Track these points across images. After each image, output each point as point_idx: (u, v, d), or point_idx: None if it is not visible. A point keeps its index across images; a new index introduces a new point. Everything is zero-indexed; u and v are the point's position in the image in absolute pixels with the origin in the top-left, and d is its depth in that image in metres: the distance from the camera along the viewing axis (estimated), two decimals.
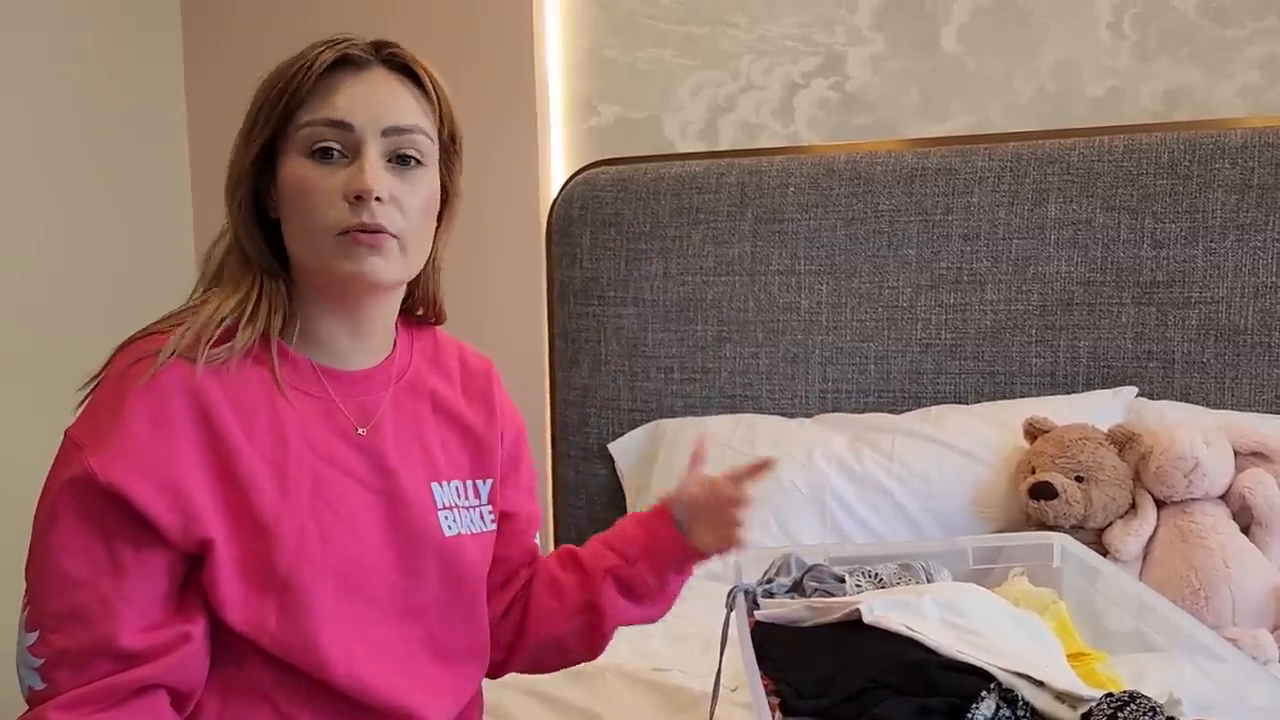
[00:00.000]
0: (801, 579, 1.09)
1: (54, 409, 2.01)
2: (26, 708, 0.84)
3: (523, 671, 1.13)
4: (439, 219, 0.98)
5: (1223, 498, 1.56)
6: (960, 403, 1.90)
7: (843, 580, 1.08)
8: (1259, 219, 1.75)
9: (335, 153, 0.89)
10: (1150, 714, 0.81)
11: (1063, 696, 0.88)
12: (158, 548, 0.85)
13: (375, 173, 0.88)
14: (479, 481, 1.04)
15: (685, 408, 2.07)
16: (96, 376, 0.89)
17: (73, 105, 2.10)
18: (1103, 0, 1.92)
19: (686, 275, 2.06)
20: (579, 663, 1.12)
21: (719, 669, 1.10)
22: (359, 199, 0.87)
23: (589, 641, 1.08)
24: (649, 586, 1.05)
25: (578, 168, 2.18)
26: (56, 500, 0.83)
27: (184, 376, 0.86)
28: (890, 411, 1.91)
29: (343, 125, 0.89)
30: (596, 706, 1.27)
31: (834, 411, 1.97)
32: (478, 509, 1.03)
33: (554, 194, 2.18)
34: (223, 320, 0.89)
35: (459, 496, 1.01)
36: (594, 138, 2.20)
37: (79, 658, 0.83)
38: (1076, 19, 1.94)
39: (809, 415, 1.97)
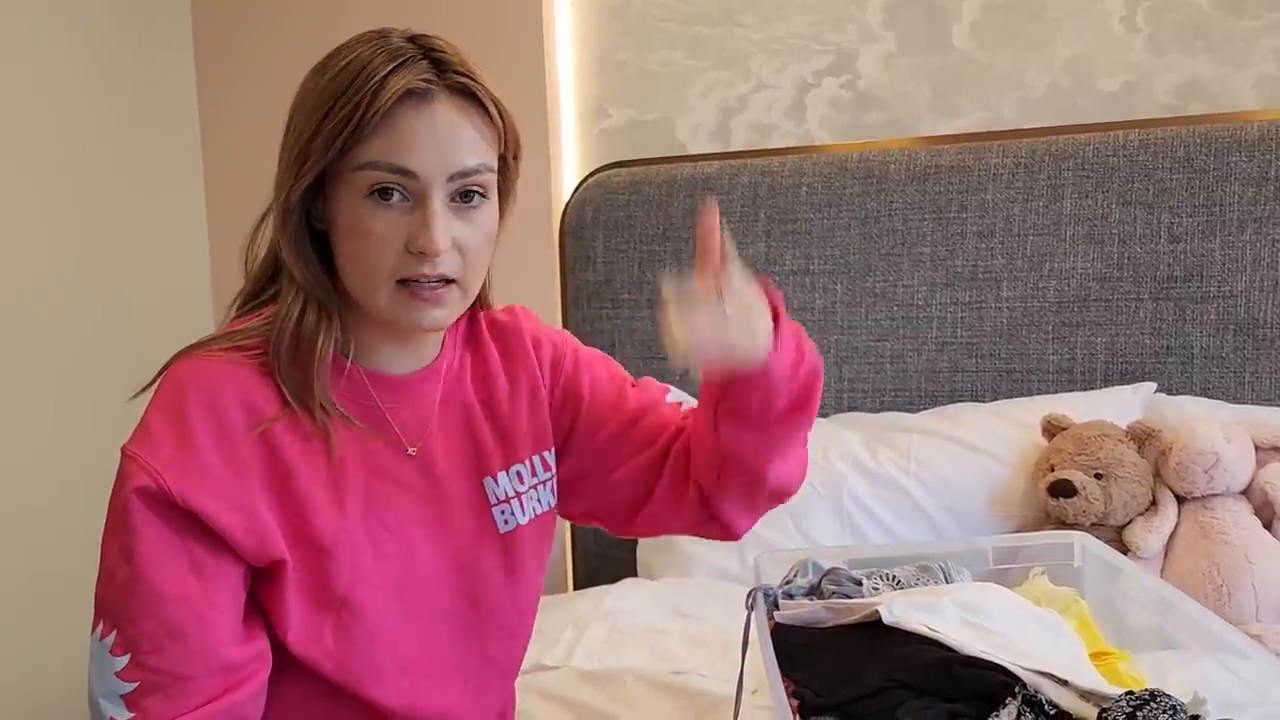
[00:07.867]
0: (819, 582, 1.09)
1: (67, 414, 2.04)
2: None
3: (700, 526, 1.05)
4: None
5: (1244, 493, 1.54)
6: (977, 401, 1.89)
7: (860, 583, 1.08)
8: (1276, 211, 1.73)
9: (396, 194, 0.84)
10: (1170, 713, 0.80)
11: (1087, 695, 0.87)
12: (233, 557, 0.84)
13: (440, 228, 0.83)
14: (544, 454, 1.02)
15: None
16: (148, 386, 0.88)
17: (83, 106, 2.10)
18: None
19: None
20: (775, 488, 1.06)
21: (742, 670, 1.10)
22: (422, 253, 0.84)
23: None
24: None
25: (590, 171, 2.18)
26: (129, 516, 0.81)
27: (243, 394, 0.85)
28: (907, 410, 1.91)
29: (407, 173, 0.83)
30: (616, 710, 1.27)
31: (850, 411, 1.97)
32: (545, 484, 1.02)
33: (566, 198, 2.18)
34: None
35: (519, 481, 0.99)
36: (606, 141, 2.20)
37: (176, 679, 0.81)
38: (1089, 13, 1.92)
39: (825, 415, 1.96)
